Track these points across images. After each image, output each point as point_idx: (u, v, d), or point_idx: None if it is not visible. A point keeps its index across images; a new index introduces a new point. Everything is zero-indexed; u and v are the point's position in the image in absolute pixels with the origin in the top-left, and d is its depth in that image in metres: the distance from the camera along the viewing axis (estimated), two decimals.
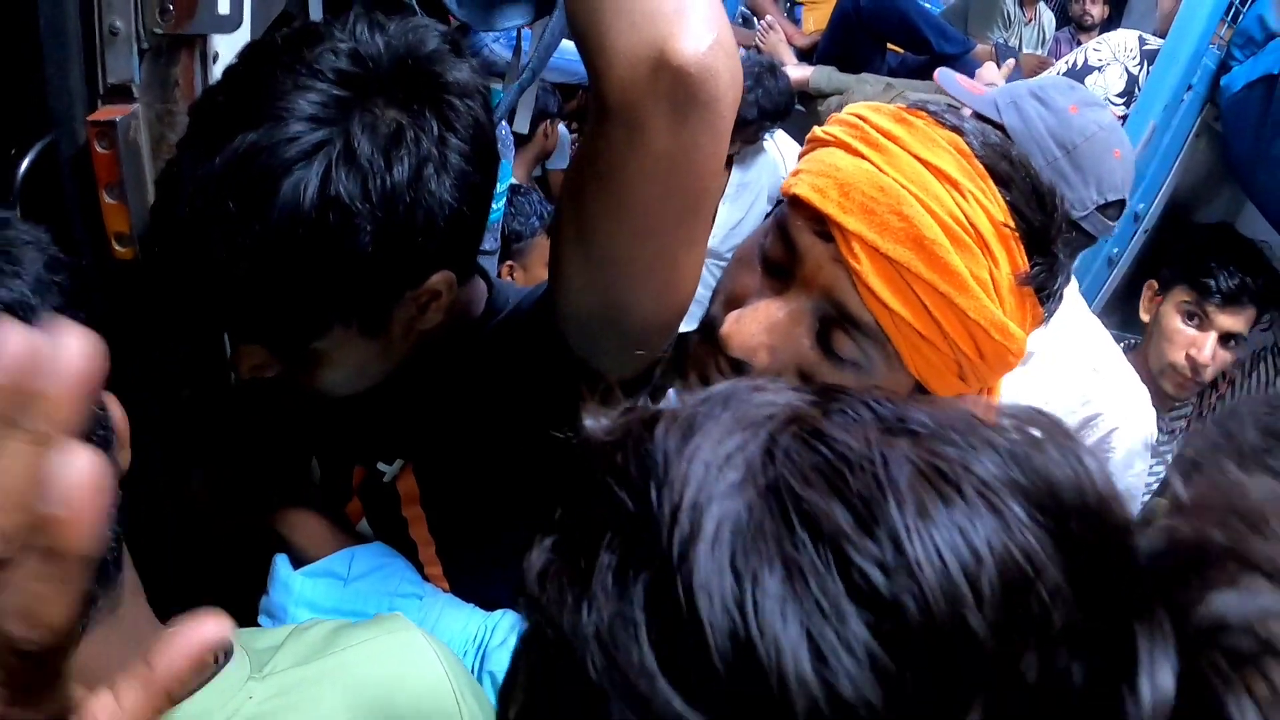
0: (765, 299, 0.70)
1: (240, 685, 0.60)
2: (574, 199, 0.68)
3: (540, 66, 0.96)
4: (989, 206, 0.65)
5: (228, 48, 0.79)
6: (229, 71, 0.69)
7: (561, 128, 2.74)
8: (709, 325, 0.73)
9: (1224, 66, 1.74)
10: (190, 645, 0.33)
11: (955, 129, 0.68)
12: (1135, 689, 0.22)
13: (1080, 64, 1.83)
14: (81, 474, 0.27)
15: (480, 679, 0.85)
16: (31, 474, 0.27)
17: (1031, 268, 0.67)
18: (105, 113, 0.77)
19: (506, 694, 0.31)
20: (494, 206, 1.84)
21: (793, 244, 0.69)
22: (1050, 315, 0.72)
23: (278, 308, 0.68)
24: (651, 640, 0.24)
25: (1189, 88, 1.74)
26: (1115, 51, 1.81)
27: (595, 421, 0.31)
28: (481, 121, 0.71)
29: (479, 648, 0.86)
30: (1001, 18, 3.24)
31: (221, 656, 0.63)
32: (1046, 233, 0.67)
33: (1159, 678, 0.22)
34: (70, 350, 0.27)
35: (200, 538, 1.00)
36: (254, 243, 0.63)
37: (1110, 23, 3.65)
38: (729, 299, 0.73)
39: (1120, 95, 1.79)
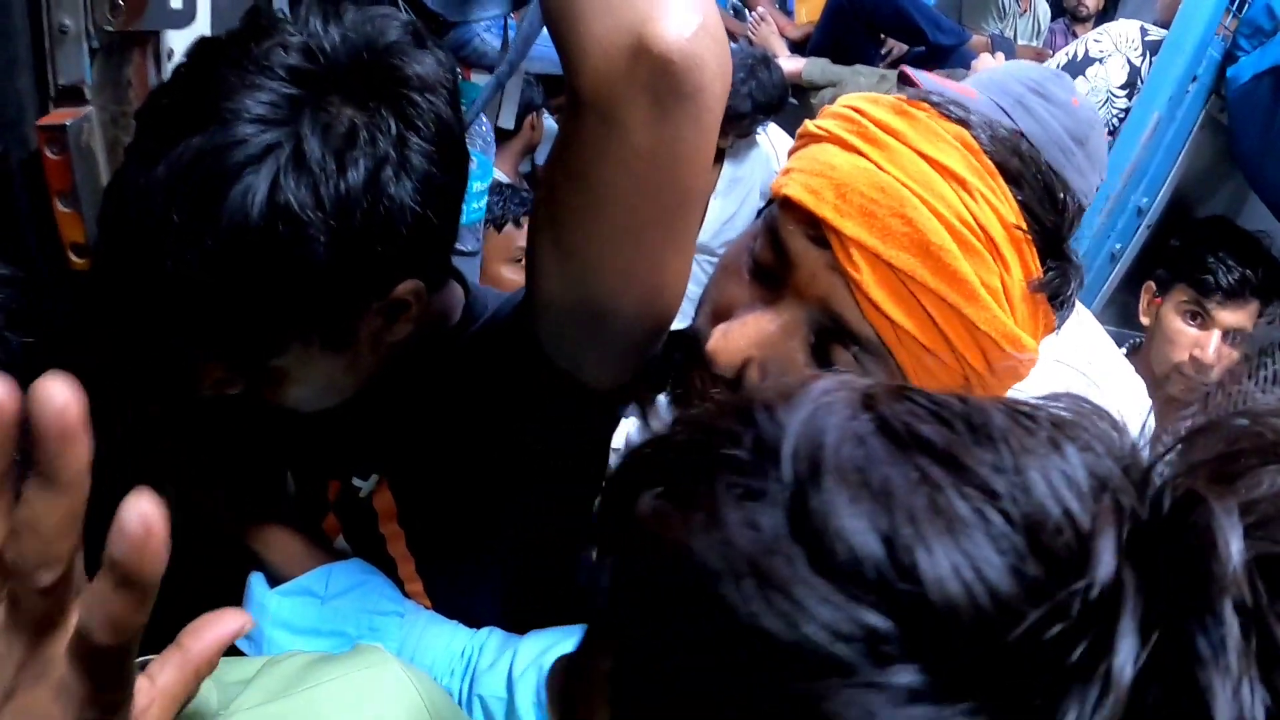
0: (755, 310, 0.64)
1: None
2: (549, 198, 0.63)
3: (519, 59, 0.92)
4: (999, 207, 0.59)
5: (182, 45, 0.74)
6: (176, 71, 0.64)
7: (549, 119, 2.69)
8: (694, 339, 0.68)
9: (1230, 57, 1.71)
10: (220, 629, 0.38)
11: (961, 121, 0.61)
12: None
13: (1081, 55, 1.79)
14: (143, 520, 0.31)
15: (470, 703, 0.82)
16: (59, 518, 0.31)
17: (1045, 273, 0.61)
18: (56, 116, 0.73)
19: (575, 667, 0.32)
20: (474, 206, 1.80)
21: (784, 250, 0.62)
22: (1062, 323, 0.66)
23: (231, 324, 0.64)
24: (801, 551, 0.25)
25: (1194, 79, 1.71)
26: (1117, 42, 1.77)
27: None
28: (446, 118, 0.66)
29: (467, 668, 0.83)
30: (996, 8, 3.20)
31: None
32: (1060, 234, 0.62)
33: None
34: (53, 403, 0.30)
35: (172, 557, 0.96)
36: (202, 256, 0.59)
37: (1105, 14, 3.61)
38: (715, 310, 0.67)
39: (1122, 87, 1.75)
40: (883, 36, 3.00)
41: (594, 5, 0.53)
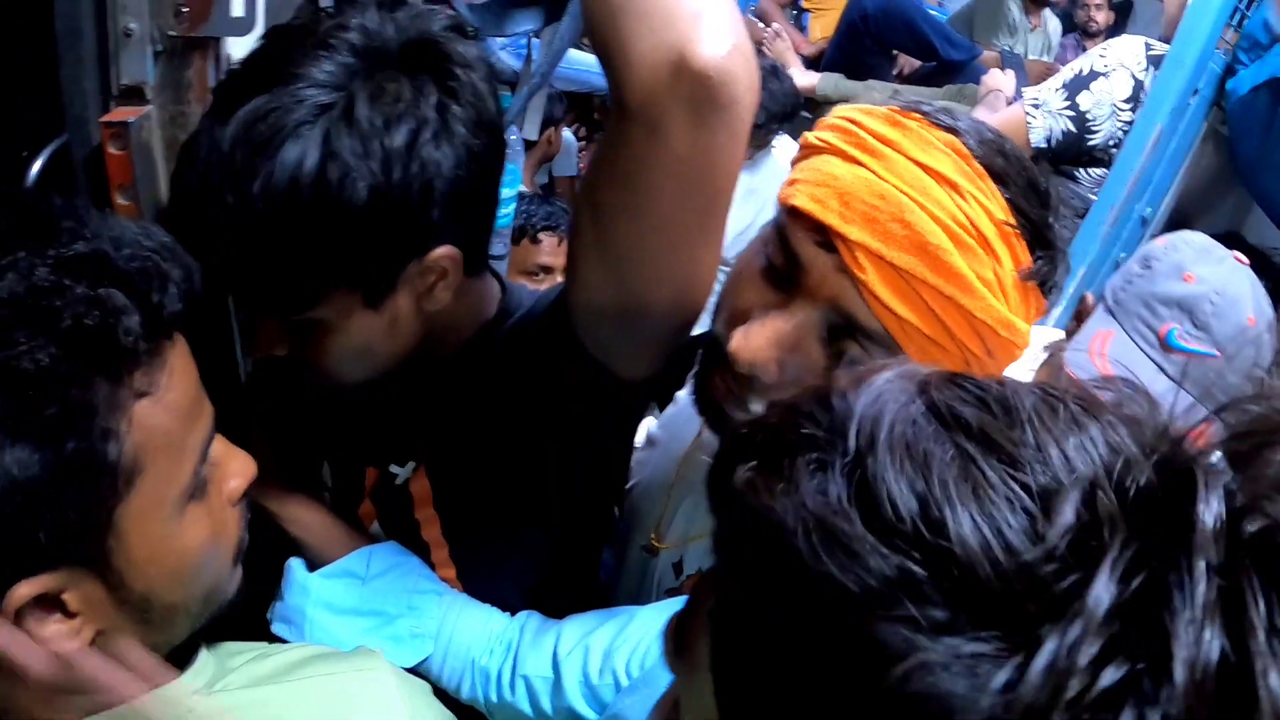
0: (770, 312, 0.69)
1: (184, 697, 0.59)
2: (593, 198, 0.68)
3: (550, 71, 0.97)
4: (989, 205, 0.65)
5: (241, 51, 0.79)
6: (251, 53, 0.72)
7: (567, 133, 2.75)
8: (713, 343, 0.73)
9: (1229, 70, 1.75)
10: None
11: (951, 129, 0.67)
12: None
13: (1087, 70, 1.84)
14: None
15: (513, 683, 0.84)
16: None
17: (1034, 262, 0.67)
18: (118, 114, 0.77)
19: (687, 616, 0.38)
20: (503, 212, 1.85)
21: (795, 256, 0.68)
22: (1053, 306, 0.72)
23: (282, 264, 0.69)
24: (857, 511, 0.30)
25: (1195, 92, 1.75)
26: (1121, 57, 1.82)
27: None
28: (484, 94, 0.72)
29: (508, 649, 0.85)
30: (1007, 24, 3.24)
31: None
32: (1046, 226, 0.68)
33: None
34: None
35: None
36: (259, 194, 0.65)
37: (1116, 29, 3.66)
38: (732, 314, 0.72)
39: (1126, 101, 1.80)
40: (895, 53, 3.05)
41: (639, 26, 0.59)
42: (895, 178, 0.65)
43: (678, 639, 0.41)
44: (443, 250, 0.73)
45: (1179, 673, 0.25)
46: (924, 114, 0.69)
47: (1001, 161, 0.67)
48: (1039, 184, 0.68)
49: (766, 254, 0.71)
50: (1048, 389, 0.34)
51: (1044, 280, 0.69)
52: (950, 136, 0.67)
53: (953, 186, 0.65)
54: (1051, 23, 3.40)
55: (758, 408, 0.66)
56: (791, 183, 0.70)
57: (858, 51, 2.87)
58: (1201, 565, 0.27)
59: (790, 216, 0.69)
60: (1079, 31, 3.69)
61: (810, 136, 0.73)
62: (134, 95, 0.78)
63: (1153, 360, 1.02)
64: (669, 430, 0.97)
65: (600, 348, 0.75)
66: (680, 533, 0.91)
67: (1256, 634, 0.26)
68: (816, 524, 0.30)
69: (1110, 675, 0.26)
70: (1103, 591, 0.26)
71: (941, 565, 0.28)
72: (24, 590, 0.51)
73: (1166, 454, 0.30)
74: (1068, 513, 0.29)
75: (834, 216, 0.65)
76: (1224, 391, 1.03)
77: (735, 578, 0.35)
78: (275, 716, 0.60)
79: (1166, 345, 1.02)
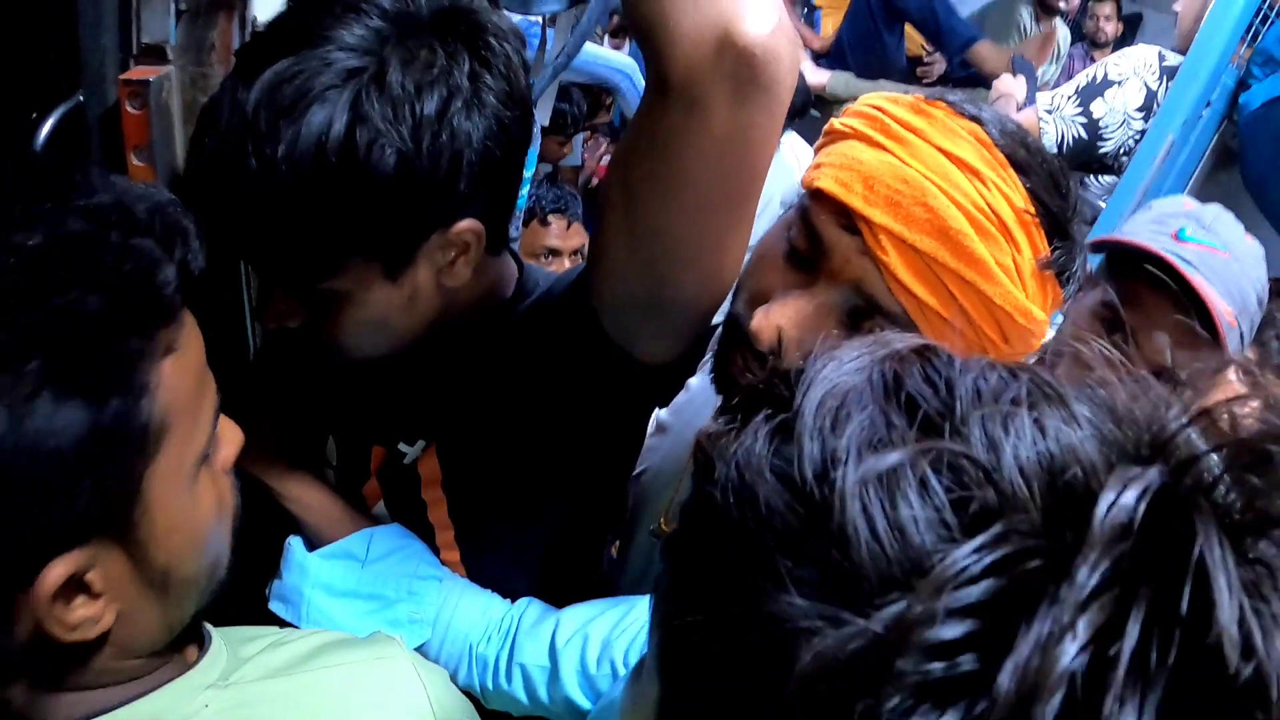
0: (791, 293, 0.70)
1: (199, 691, 0.57)
2: (626, 177, 0.67)
3: (574, 53, 0.96)
4: (1010, 194, 0.66)
5: (267, 13, 0.78)
6: (277, 15, 0.69)
7: None
8: (733, 323, 0.73)
9: (1242, 85, 1.75)
10: None
11: (975, 119, 0.68)
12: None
13: (1100, 78, 1.84)
14: None
15: (509, 671, 0.83)
16: None
17: (1052, 252, 0.68)
18: (138, 72, 0.76)
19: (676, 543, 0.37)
20: (520, 193, 1.83)
21: (818, 237, 0.69)
22: (1069, 298, 0.73)
23: (302, 232, 0.67)
24: (769, 461, 0.31)
25: (1208, 104, 1.75)
26: (1135, 66, 1.82)
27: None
28: (516, 65, 0.70)
29: (506, 636, 0.85)
30: (1018, 31, 3.25)
31: (196, 652, 0.60)
32: (1064, 217, 0.68)
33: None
34: None
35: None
36: (283, 158, 0.63)
37: (1123, 40, 3.67)
38: (753, 295, 0.72)
39: (1139, 110, 1.80)
40: (923, 54, 3.05)
41: (683, 2, 0.58)
42: (919, 163, 0.66)
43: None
44: (466, 224, 0.71)
45: (1004, 680, 0.24)
46: (949, 103, 0.70)
47: (1024, 153, 0.67)
48: (1059, 176, 0.68)
49: (789, 237, 0.71)
50: (1013, 368, 0.32)
51: (1062, 270, 0.69)
52: (974, 125, 0.67)
53: (975, 174, 0.65)
54: (1061, 31, 3.40)
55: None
56: (816, 166, 0.71)
57: (864, 25, 2.87)
58: (1085, 573, 0.24)
59: (814, 199, 0.69)
60: (1087, 41, 3.69)
61: (836, 122, 0.73)
62: (154, 54, 0.76)
63: (1167, 250, 1.05)
64: (681, 416, 0.96)
65: (621, 331, 0.74)
66: None
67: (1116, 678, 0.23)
68: (737, 473, 0.31)
69: (939, 667, 0.24)
70: (962, 564, 0.25)
71: (820, 526, 0.28)
72: (58, 570, 0.48)
73: (1134, 453, 0.28)
74: (962, 482, 0.28)
75: (858, 199, 0.66)
76: (1238, 290, 1.03)
77: (689, 504, 0.35)
78: (295, 710, 0.58)
79: (1178, 239, 1.06)
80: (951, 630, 0.25)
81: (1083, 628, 0.24)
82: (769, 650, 0.28)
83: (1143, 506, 0.25)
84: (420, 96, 0.65)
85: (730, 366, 0.74)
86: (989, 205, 0.65)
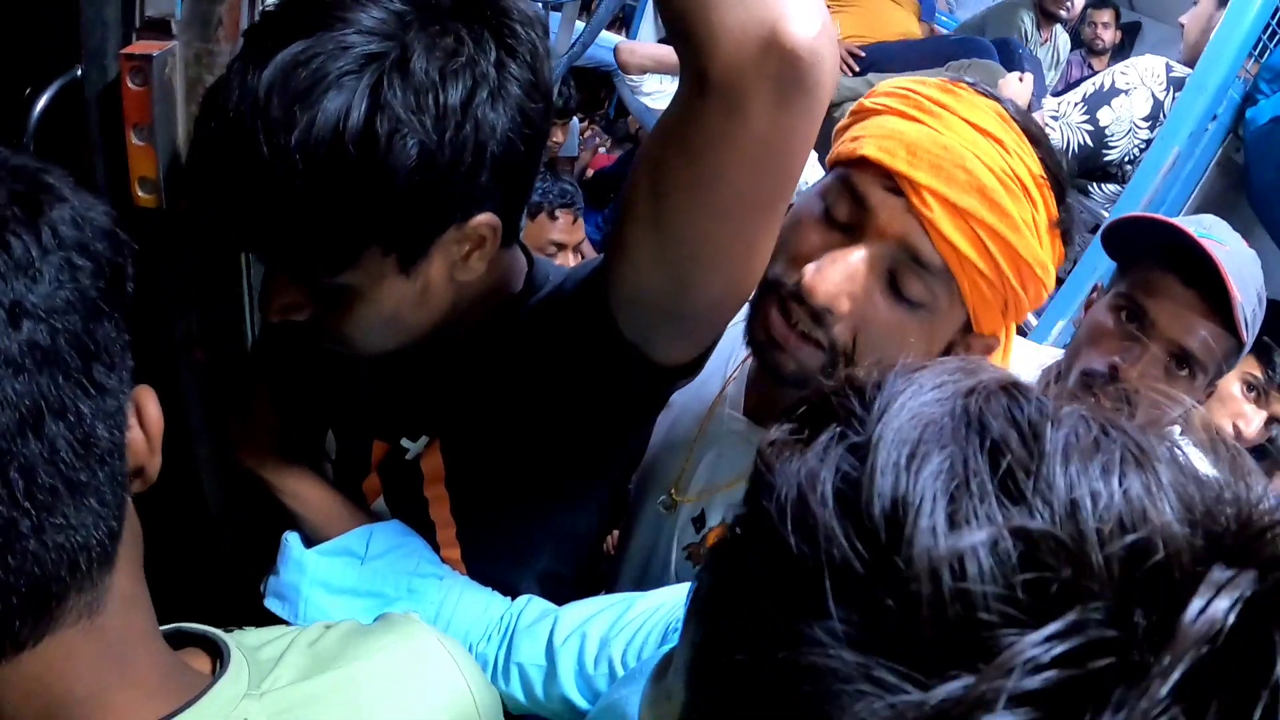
0: (837, 251, 0.75)
1: (235, 704, 0.54)
2: (655, 174, 0.65)
3: (591, 40, 0.94)
4: (1028, 161, 0.75)
5: None
6: None
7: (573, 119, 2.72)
8: (775, 282, 0.77)
9: (1249, 99, 1.75)
10: None
11: (994, 98, 0.78)
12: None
13: (1107, 86, 1.83)
14: None
15: (506, 670, 0.82)
16: None
17: (1060, 213, 0.77)
18: (140, 46, 0.72)
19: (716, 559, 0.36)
20: None
21: (863, 200, 0.75)
22: (1070, 257, 0.84)
23: (315, 223, 0.64)
24: (834, 487, 0.29)
25: (1214, 118, 1.75)
26: (1143, 76, 1.82)
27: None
28: (541, 52, 0.68)
29: (504, 635, 0.83)
30: (1020, 35, 3.24)
31: (218, 665, 0.57)
32: (1065, 183, 0.79)
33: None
34: None
35: (199, 511, 0.96)
36: (297, 146, 0.60)
37: (1121, 48, 3.68)
38: (794, 256, 0.77)
39: (1145, 119, 1.79)
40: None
41: None
42: (951, 133, 0.74)
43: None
44: (484, 217, 0.69)
45: None
46: (969, 84, 0.80)
47: (1035, 127, 0.78)
48: (1054, 150, 0.80)
49: (825, 203, 0.78)
50: (1107, 424, 0.30)
51: (1066, 229, 0.79)
52: (993, 103, 0.77)
53: (999, 143, 0.74)
54: (1061, 38, 3.40)
55: (822, 338, 0.75)
56: (855, 139, 0.78)
57: None
58: (1159, 683, 0.23)
59: (857, 167, 0.77)
60: (1085, 49, 3.70)
61: (866, 102, 0.82)
62: (158, 28, 0.73)
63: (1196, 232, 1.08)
64: (686, 393, 0.95)
65: (637, 330, 0.72)
66: (702, 485, 0.93)
67: None
68: (796, 494, 0.30)
69: None
70: (1031, 653, 0.24)
71: (883, 576, 0.27)
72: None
73: (1219, 536, 0.27)
74: (1040, 559, 0.26)
75: (902, 164, 0.74)
76: (1247, 281, 1.11)
77: (742, 517, 0.34)
78: (340, 707, 0.55)
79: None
80: (1010, 718, 0.23)
81: None
82: (809, 704, 0.27)
83: (1232, 617, 0.24)
84: (444, 85, 0.62)
85: (766, 324, 0.78)
86: (1012, 169, 0.74)
